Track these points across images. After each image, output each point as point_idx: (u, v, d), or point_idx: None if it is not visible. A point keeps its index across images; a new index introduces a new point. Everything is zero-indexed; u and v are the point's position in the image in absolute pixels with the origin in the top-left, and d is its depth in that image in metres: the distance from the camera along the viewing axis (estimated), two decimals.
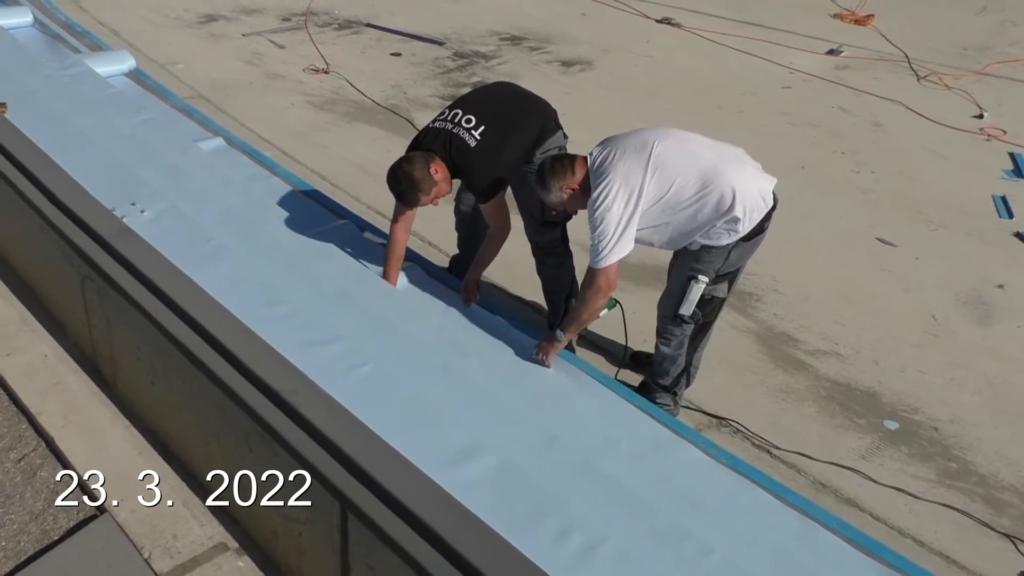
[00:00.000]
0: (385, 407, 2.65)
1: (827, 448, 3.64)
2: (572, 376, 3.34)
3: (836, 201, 5.70)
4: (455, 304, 3.54)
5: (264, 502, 2.60)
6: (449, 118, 3.54)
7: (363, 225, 4.22)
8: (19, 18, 5.90)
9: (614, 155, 3.21)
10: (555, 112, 3.82)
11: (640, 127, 3.46)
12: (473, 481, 2.42)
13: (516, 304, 4.37)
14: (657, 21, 8.85)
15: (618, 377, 3.71)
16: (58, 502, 2.52)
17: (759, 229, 3.37)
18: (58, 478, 2.59)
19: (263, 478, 2.55)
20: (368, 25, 8.36)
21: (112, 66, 5.69)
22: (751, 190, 3.31)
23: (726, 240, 3.30)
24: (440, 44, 7.98)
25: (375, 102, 6.67)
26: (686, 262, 3.42)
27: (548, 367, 3.30)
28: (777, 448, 3.62)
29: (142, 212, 3.63)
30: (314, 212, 4.18)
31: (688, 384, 3.80)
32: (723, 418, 3.76)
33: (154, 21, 8.12)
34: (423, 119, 6.45)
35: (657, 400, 3.66)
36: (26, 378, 2.90)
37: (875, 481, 3.47)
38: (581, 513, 2.44)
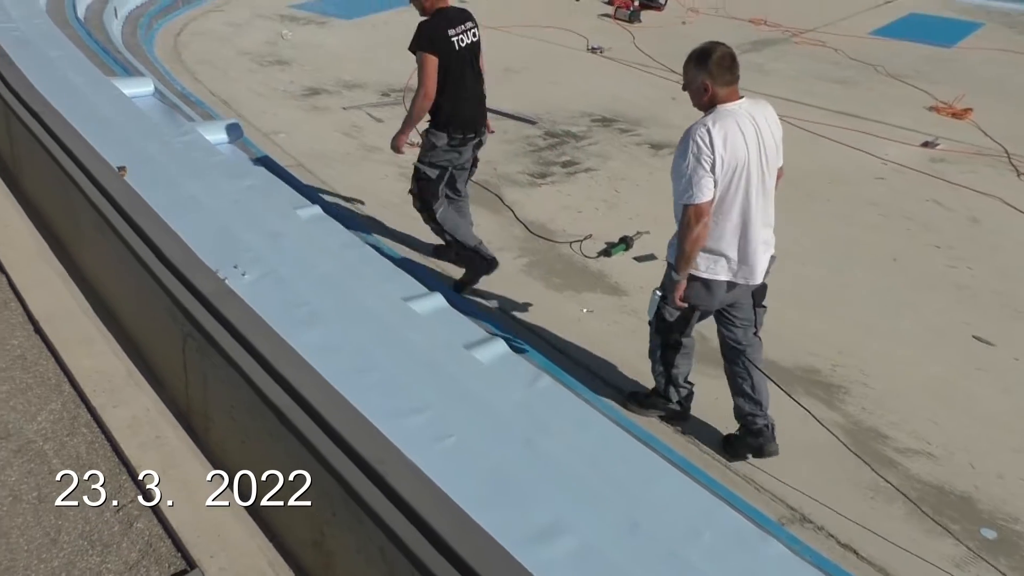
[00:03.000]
0: (468, 480, 2.65)
1: (917, 552, 3.50)
2: (653, 460, 3.30)
3: (929, 296, 5.58)
4: (540, 381, 3.56)
5: (344, 568, 2.62)
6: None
7: (450, 297, 4.30)
8: (142, 88, 6.28)
9: (733, 130, 3.49)
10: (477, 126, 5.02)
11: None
12: (553, 562, 2.40)
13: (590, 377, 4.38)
14: None
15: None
16: (151, 553, 2.59)
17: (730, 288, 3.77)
18: (153, 531, 2.66)
19: (347, 544, 2.58)
20: None
21: (222, 134, 5.98)
22: (747, 249, 3.69)
23: (699, 272, 3.69)
24: (532, 123, 8.18)
25: None
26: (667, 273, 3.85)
27: (681, 305, 3.78)
28: (864, 549, 3.49)
29: (243, 275, 3.75)
30: (404, 282, 4.27)
31: (680, 403, 4.16)
32: (808, 520, 3.65)
33: (262, 93, 8.55)
34: (512, 195, 6.59)
35: (649, 401, 4.19)
36: (129, 431, 3.01)
37: None
38: None
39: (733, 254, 3.68)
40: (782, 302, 5.35)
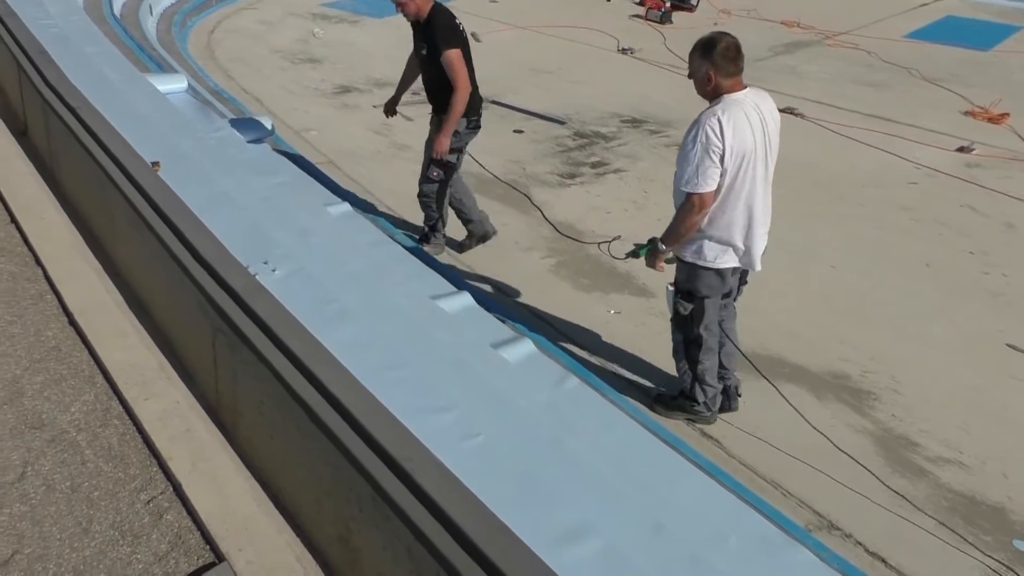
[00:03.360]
0: (495, 480, 2.66)
1: (947, 563, 3.46)
2: (679, 462, 3.28)
3: (963, 303, 5.50)
4: (567, 381, 3.56)
5: (370, 565, 2.64)
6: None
7: (478, 296, 4.30)
8: (175, 84, 6.36)
9: (741, 120, 3.55)
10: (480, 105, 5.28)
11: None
12: (579, 564, 2.40)
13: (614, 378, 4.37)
14: (780, 110, 8.82)
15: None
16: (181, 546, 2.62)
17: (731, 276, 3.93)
18: (183, 523, 2.69)
19: (373, 541, 2.60)
20: (493, 102, 8.65)
21: (253, 131, 6.03)
22: (749, 244, 3.82)
23: (704, 260, 3.81)
24: (562, 123, 8.18)
25: (495, 176, 6.85)
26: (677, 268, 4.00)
27: (661, 271, 3.98)
28: (893, 557, 3.45)
29: (273, 271, 3.78)
30: (432, 280, 4.28)
31: (707, 404, 4.18)
32: (835, 526, 3.62)
33: (293, 91, 8.62)
34: (541, 195, 6.59)
35: (686, 412, 4.21)
36: (160, 423, 3.05)
37: None
38: None
39: (740, 243, 3.79)
40: (812, 306, 5.32)
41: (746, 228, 3.75)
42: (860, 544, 3.53)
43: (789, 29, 12.51)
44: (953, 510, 3.76)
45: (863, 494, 3.81)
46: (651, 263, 3.98)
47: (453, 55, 4.83)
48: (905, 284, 5.67)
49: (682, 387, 4.21)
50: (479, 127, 5.32)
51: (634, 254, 4.19)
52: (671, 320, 4.04)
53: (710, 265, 3.82)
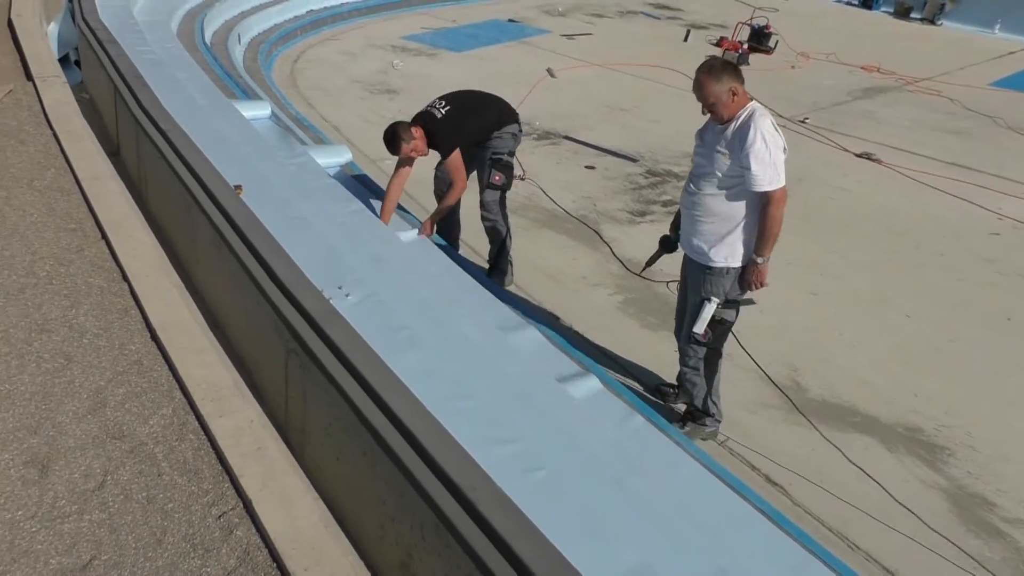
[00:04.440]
0: (557, 515, 2.67)
1: None
2: (743, 508, 3.25)
3: None
4: (632, 420, 3.56)
5: None
6: (430, 103, 5.13)
7: (545, 330, 4.34)
8: (259, 111, 6.59)
9: (769, 114, 3.75)
10: (516, 114, 5.32)
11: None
12: None
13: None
14: (856, 155, 8.73)
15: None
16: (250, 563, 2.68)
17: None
18: (251, 540, 2.76)
19: (434, 568, 2.62)
20: (566, 138, 8.73)
21: (331, 158, 6.19)
22: None
23: (740, 262, 3.85)
24: (634, 161, 8.20)
25: (566, 211, 6.90)
26: (697, 285, 3.97)
27: (766, 285, 3.88)
28: None
29: (347, 296, 3.87)
30: (500, 312, 4.33)
31: (716, 405, 4.25)
32: None
33: (370, 120, 8.82)
34: (611, 232, 6.61)
35: (707, 427, 4.26)
36: (233, 440, 3.13)
37: None
38: None
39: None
40: (886, 356, 5.20)
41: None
42: None
43: (869, 74, 12.35)
44: None
45: (935, 551, 3.70)
46: (759, 281, 3.89)
47: (452, 158, 5.07)
48: (984, 338, 5.51)
49: (695, 405, 4.25)
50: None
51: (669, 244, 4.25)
52: (701, 337, 4.01)
53: (741, 264, 3.88)
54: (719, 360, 4.19)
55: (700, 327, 3.99)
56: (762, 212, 3.74)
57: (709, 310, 3.96)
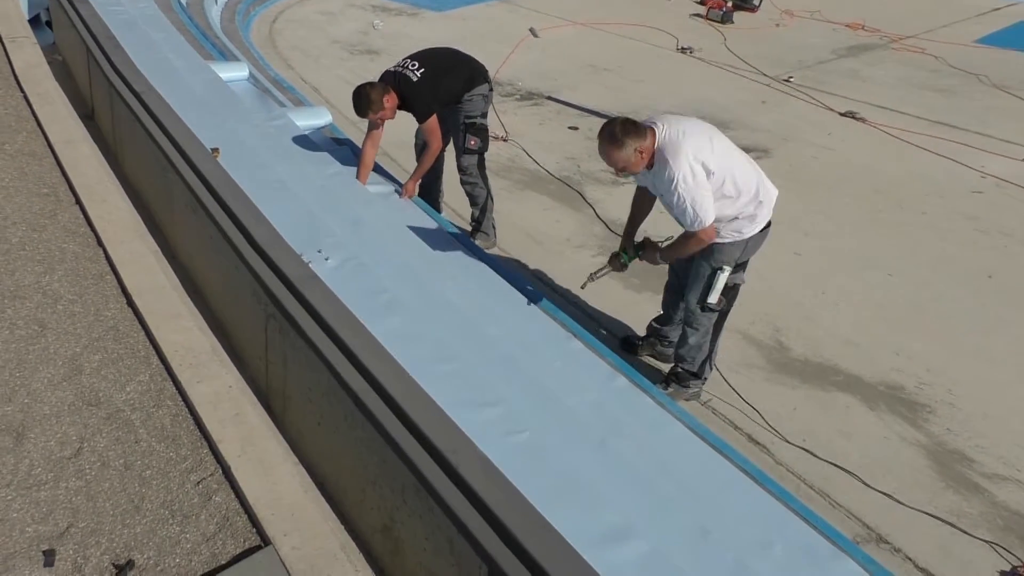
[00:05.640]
0: (539, 477, 2.66)
1: None
2: (726, 468, 3.25)
3: None
4: (615, 381, 3.54)
5: (412, 556, 2.65)
6: (400, 63, 4.97)
7: (528, 292, 4.31)
8: (237, 72, 6.47)
9: (684, 135, 3.57)
10: (486, 72, 5.19)
11: (691, 118, 3.86)
12: (622, 565, 2.39)
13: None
14: (841, 114, 8.67)
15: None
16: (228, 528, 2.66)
17: (768, 223, 3.89)
18: (231, 505, 2.74)
19: (416, 532, 2.61)
20: (549, 98, 8.63)
21: (311, 120, 6.10)
22: (770, 192, 3.84)
23: (748, 233, 3.80)
24: None
25: (549, 172, 6.84)
26: (706, 256, 3.87)
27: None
28: (943, 574, 3.37)
29: (326, 260, 3.83)
30: (484, 275, 4.30)
31: (711, 368, 4.25)
32: (884, 540, 3.55)
33: (351, 81, 8.61)
34: (594, 193, 6.56)
35: (690, 388, 4.25)
36: (211, 406, 3.10)
37: None
38: None
39: (754, 208, 3.85)
40: (869, 314, 5.21)
41: (754, 195, 3.77)
42: (909, 559, 3.45)
43: (854, 32, 12.25)
44: (1008, 529, 3.66)
45: (915, 507, 3.72)
46: (649, 259, 3.93)
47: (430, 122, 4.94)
48: (966, 296, 5.52)
49: (686, 368, 4.24)
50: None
51: (619, 263, 4.09)
52: (716, 306, 3.97)
53: (748, 235, 3.86)
54: (724, 322, 4.18)
55: (715, 297, 3.94)
56: (684, 233, 3.74)
57: (722, 279, 3.89)
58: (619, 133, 3.52)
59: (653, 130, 3.60)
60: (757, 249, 3.95)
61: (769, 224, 3.90)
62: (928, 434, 4.24)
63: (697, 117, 3.94)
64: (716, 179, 3.59)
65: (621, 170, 3.68)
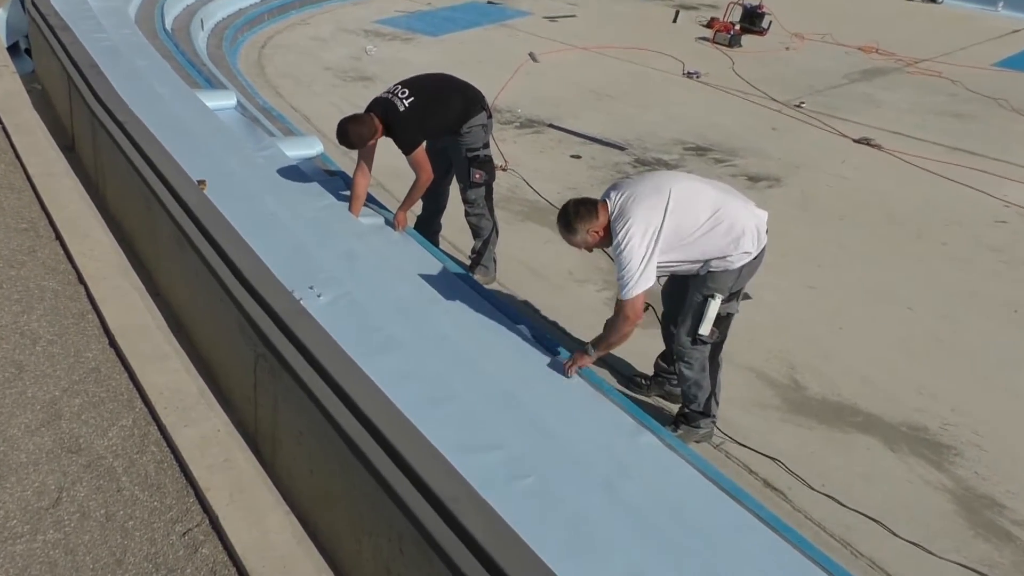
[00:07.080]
0: (545, 525, 2.65)
1: None
2: (740, 514, 3.24)
3: None
4: (623, 422, 3.54)
5: None
6: (391, 89, 4.93)
7: (532, 328, 4.31)
8: (224, 101, 6.53)
9: (633, 199, 3.71)
10: (483, 99, 5.16)
11: (651, 172, 4.10)
12: None
13: None
14: (855, 141, 8.75)
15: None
16: None
17: (761, 250, 3.90)
18: (218, 558, 2.73)
19: None
20: (550, 126, 8.71)
21: (301, 150, 6.15)
22: (751, 217, 3.85)
23: (738, 263, 3.81)
24: (622, 149, 8.19)
25: (549, 203, 6.88)
26: (698, 285, 3.91)
27: (569, 377, 3.72)
28: None
29: (318, 296, 3.84)
30: (482, 309, 4.31)
31: (717, 404, 4.25)
32: None
33: (343, 109, 8.73)
34: None
35: (700, 428, 4.23)
36: (198, 451, 3.10)
37: None
38: None
39: (741, 239, 3.86)
40: (889, 351, 5.22)
41: (729, 226, 3.79)
42: None
43: (867, 55, 12.39)
44: None
45: (943, 557, 3.70)
46: (575, 365, 3.82)
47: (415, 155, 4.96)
48: (991, 330, 5.54)
49: (693, 408, 4.23)
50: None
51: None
52: (708, 338, 3.98)
53: (740, 265, 3.87)
54: (720, 355, 4.19)
55: (706, 328, 3.94)
56: (614, 317, 3.79)
57: (714, 307, 3.91)
58: (572, 219, 3.76)
59: (605, 204, 3.76)
60: (751, 277, 3.98)
61: (763, 251, 3.92)
62: (955, 478, 4.22)
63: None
64: (676, 231, 3.68)
65: (583, 249, 3.91)
